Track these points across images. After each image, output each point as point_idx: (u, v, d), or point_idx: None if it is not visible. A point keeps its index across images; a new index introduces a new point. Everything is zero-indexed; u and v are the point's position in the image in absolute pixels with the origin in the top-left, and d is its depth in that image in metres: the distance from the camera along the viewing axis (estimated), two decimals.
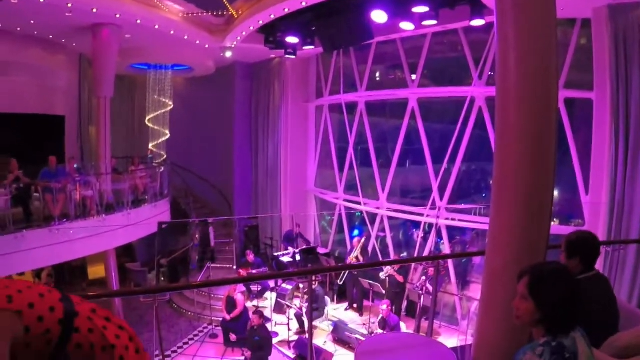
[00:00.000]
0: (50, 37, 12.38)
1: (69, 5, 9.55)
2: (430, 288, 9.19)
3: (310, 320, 4.88)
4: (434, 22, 9.38)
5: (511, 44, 3.20)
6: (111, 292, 9.30)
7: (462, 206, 11.11)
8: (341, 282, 11.59)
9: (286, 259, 12.20)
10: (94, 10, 10.04)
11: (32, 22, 10.78)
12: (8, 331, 1.74)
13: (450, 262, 10.97)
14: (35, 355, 1.85)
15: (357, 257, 11.12)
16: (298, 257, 11.96)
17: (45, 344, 1.86)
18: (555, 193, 9.87)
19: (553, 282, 1.99)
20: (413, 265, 11.20)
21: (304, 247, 12.53)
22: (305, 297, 10.41)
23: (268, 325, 9.69)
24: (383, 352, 3.32)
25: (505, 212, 3.31)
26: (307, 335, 8.84)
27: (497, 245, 3.38)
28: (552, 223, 9.20)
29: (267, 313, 10.49)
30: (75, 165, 11.81)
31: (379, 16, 9.55)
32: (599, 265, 7.11)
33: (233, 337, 9.78)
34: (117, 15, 10.55)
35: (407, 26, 10.03)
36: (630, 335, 2.69)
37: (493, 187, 3.37)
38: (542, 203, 3.21)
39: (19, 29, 11.38)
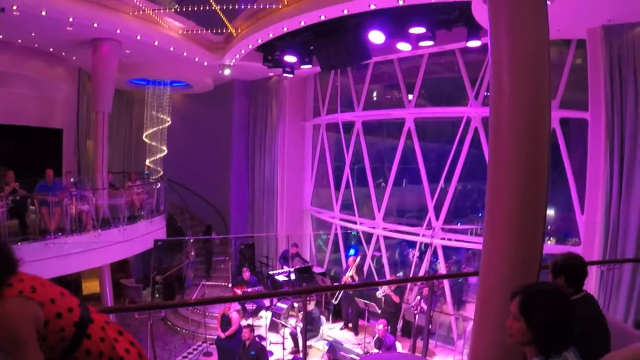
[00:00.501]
0: (51, 50, 12.45)
1: (70, 19, 9.65)
2: (426, 308, 9.14)
3: (305, 340, 4.85)
4: (430, 42, 9.47)
5: (505, 67, 3.25)
6: (106, 308, 9.22)
7: (458, 226, 11.11)
8: (336, 302, 11.52)
9: (281, 278, 12.13)
10: (95, 25, 10.11)
11: (33, 34, 10.85)
12: (33, 319, 1.87)
13: (445, 281, 10.93)
14: (49, 349, 1.95)
15: (352, 277, 11.07)
16: (293, 276, 11.90)
17: (58, 341, 1.97)
18: (552, 212, 9.93)
19: (544, 303, 2.00)
20: (409, 285, 11.16)
21: (300, 266, 12.47)
22: (301, 315, 10.34)
23: (263, 344, 9.60)
24: None
25: (498, 232, 3.33)
26: (301, 355, 8.78)
27: (491, 265, 3.39)
28: (549, 242, 9.23)
29: (261, 332, 10.43)
30: (72, 179, 11.80)
31: (376, 37, 9.65)
32: (594, 284, 7.13)
33: None
34: (118, 31, 10.63)
35: (404, 47, 10.14)
36: (621, 354, 2.69)
37: (486, 207, 3.39)
38: (535, 223, 3.23)
39: (19, 40, 11.43)
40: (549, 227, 10.27)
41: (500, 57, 3.27)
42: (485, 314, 3.40)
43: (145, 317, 10.42)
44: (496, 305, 3.24)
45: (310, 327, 10.02)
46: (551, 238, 9.80)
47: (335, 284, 12.06)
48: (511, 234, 3.26)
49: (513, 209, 3.23)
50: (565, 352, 1.95)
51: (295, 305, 10.95)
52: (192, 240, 14.96)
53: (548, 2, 6.11)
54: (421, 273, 11.41)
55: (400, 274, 12.82)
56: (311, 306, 10.28)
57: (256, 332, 10.00)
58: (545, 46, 3.25)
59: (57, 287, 2.04)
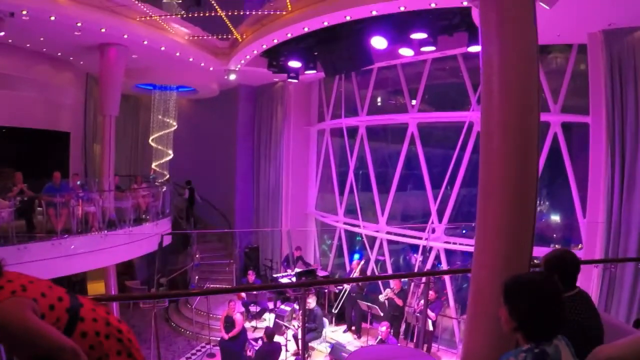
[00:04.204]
0: (59, 54, 12.62)
1: (79, 24, 9.79)
2: (431, 314, 9.19)
3: (304, 336, 4.92)
4: (432, 48, 9.54)
5: (495, 69, 3.36)
6: (110, 297, 9.37)
7: (460, 224, 11.14)
8: (337, 309, 11.55)
9: (285, 281, 12.20)
10: (103, 30, 10.26)
11: (42, 39, 11.00)
12: (32, 311, 1.85)
13: (448, 285, 10.98)
14: None
15: None
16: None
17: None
18: (557, 218, 9.96)
19: (522, 291, 2.08)
20: (411, 289, 11.20)
21: (303, 269, 12.55)
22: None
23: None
24: None
25: (489, 229, 3.41)
26: (301, 353, 8.84)
27: (482, 262, 3.47)
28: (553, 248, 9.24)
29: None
30: (79, 182, 11.91)
31: (378, 42, 9.74)
32: (595, 284, 7.15)
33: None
34: (125, 36, 10.79)
35: (406, 52, 10.22)
36: (612, 347, 2.74)
37: (478, 206, 3.47)
38: (525, 221, 3.31)
39: (28, 45, 11.59)
40: (554, 234, 10.31)
41: (491, 60, 3.37)
42: (477, 310, 3.49)
43: (150, 306, 10.60)
44: (488, 300, 3.32)
45: (314, 326, 10.08)
46: (556, 245, 9.82)
47: (338, 287, 12.11)
48: (501, 232, 3.34)
49: (503, 208, 3.32)
50: (555, 340, 2.00)
51: (297, 306, 11.00)
52: (196, 243, 15.05)
53: (547, 7, 6.22)
54: (424, 279, 11.42)
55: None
56: (312, 303, 10.31)
57: (259, 334, 10.11)
58: (533, 50, 3.34)
59: (44, 281, 2.06)
